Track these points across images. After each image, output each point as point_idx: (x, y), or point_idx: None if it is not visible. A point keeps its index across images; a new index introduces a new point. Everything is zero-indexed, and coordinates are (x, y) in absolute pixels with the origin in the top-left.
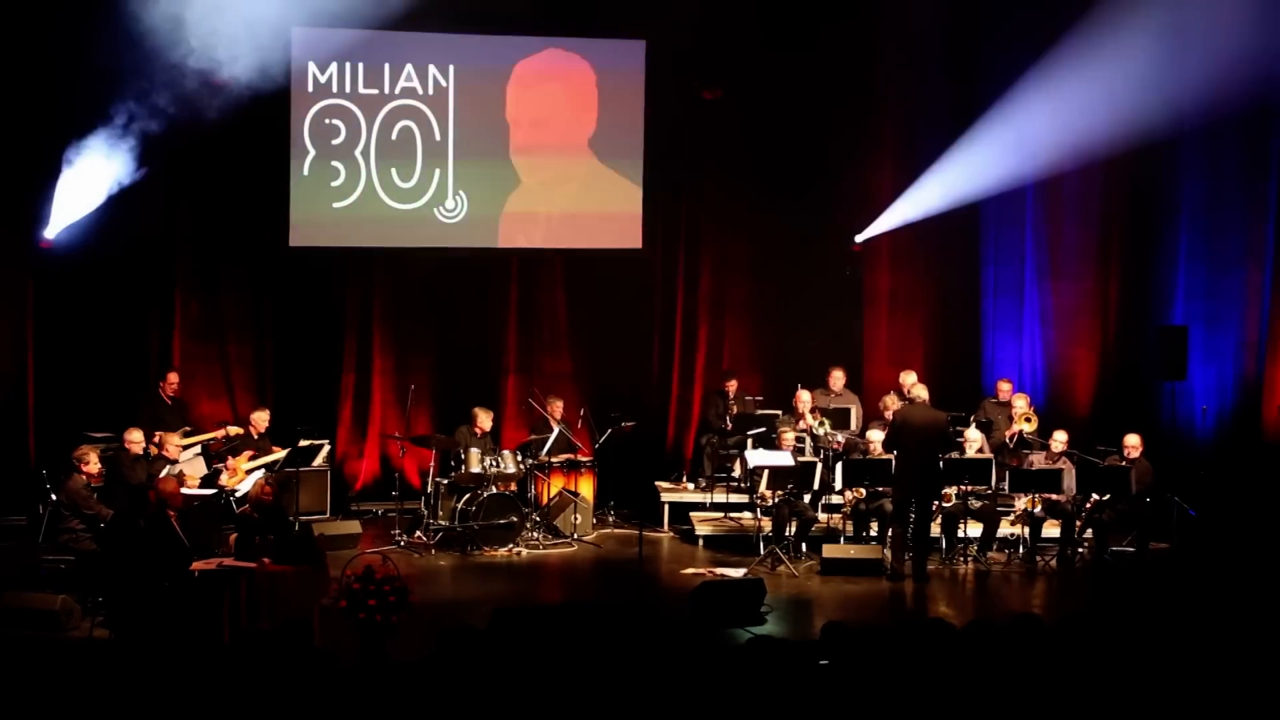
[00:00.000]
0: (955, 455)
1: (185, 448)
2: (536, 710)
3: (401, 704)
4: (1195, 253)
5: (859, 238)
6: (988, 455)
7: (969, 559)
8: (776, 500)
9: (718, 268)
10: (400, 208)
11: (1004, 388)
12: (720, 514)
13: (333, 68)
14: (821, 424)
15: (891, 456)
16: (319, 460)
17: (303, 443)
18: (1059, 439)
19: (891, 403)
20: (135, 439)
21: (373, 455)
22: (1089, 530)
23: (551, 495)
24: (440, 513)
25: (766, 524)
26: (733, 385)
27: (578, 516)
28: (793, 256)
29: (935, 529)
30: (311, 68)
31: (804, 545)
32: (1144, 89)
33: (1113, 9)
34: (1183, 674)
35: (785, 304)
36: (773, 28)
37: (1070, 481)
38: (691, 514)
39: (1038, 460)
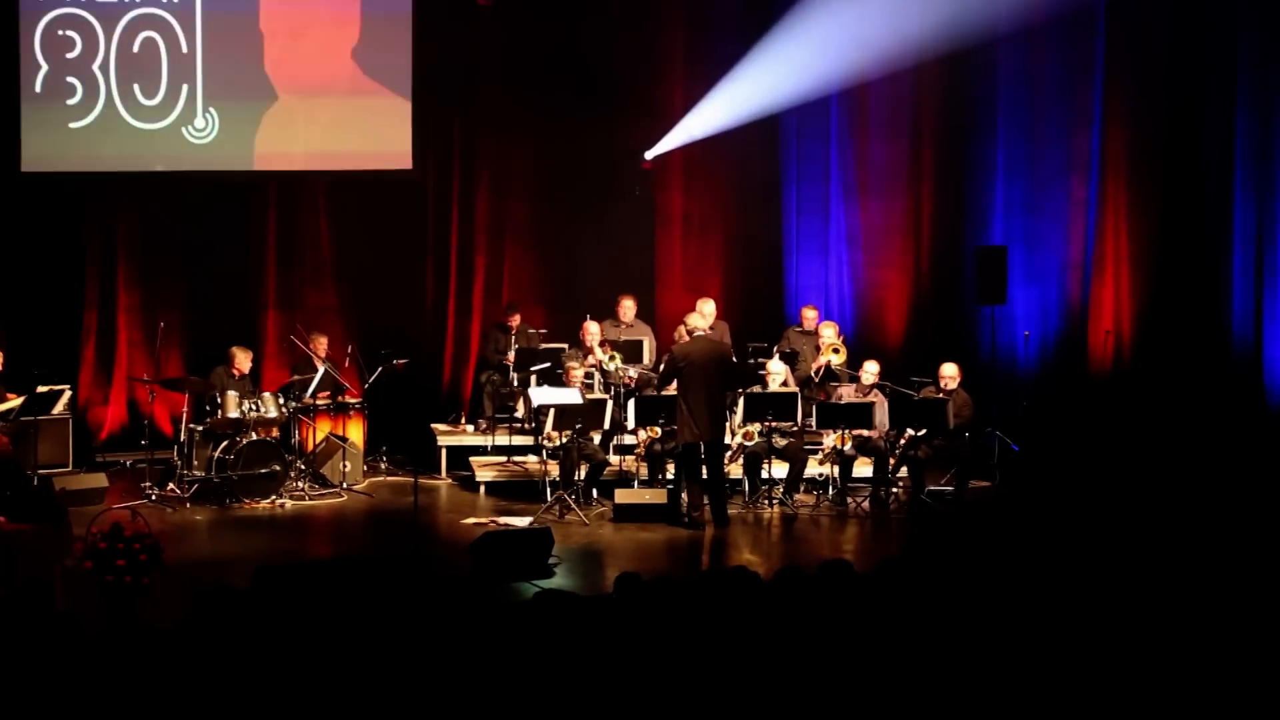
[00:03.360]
0: (758, 389)
1: None
2: (303, 675)
3: (154, 672)
4: (1014, 166)
5: (649, 155)
6: (793, 389)
7: (774, 502)
8: (564, 442)
9: (496, 190)
10: (145, 127)
11: (809, 315)
12: (503, 458)
13: None
14: (612, 358)
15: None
16: (59, 408)
17: (40, 388)
18: (870, 370)
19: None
20: None
21: (119, 401)
22: (904, 468)
23: (318, 441)
24: (195, 463)
25: (553, 468)
26: (515, 319)
27: (347, 464)
28: (578, 176)
29: (737, 470)
30: None
31: (594, 490)
32: None
33: None
34: (1004, 620)
35: (570, 228)
36: None
37: (883, 416)
38: (471, 459)
39: (847, 393)
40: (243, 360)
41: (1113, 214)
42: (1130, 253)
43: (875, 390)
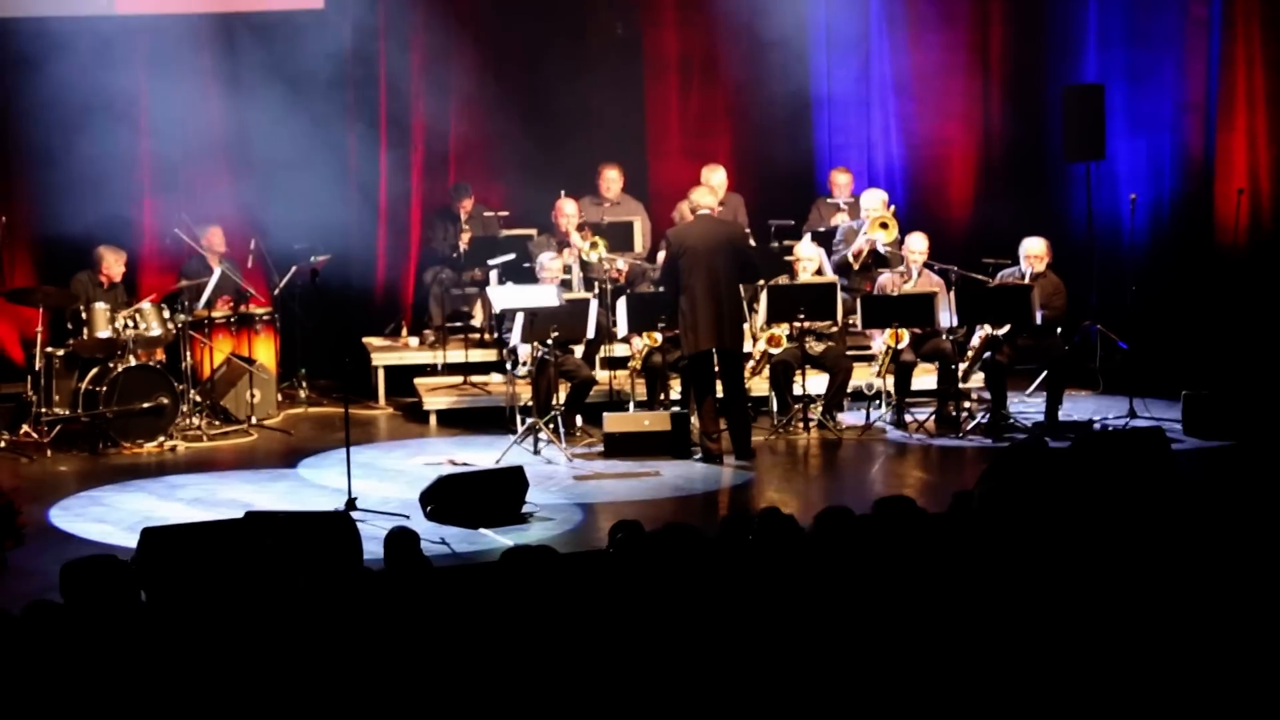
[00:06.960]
0: (784, 280)
1: None
2: (202, 669)
3: (12, 664)
4: None
5: None
6: (830, 279)
7: (811, 424)
8: (537, 356)
9: (435, 32)
10: None
11: (840, 181)
12: (458, 379)
13: None
14: (594, 245)
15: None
16: None
17: None
18: (915, 247)
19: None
20: None
21: None
22: (978, 376)
23: (216, 365)
24: (56, 397)
25: (524, 390)
26: (467, 204)
27: (255, 392)
28: (542, 10)
29: (762, 385)
30: None
31: (578, 417)
32: None
33: None
34: (1112, 572)
35: (535, 79)
36: None
37: (948, 310)
38: (417, 381)
39: (890, 282)
40: (113, 263)
41: (1244, 38)
42: (1268, 87)
43: (930, 273)
